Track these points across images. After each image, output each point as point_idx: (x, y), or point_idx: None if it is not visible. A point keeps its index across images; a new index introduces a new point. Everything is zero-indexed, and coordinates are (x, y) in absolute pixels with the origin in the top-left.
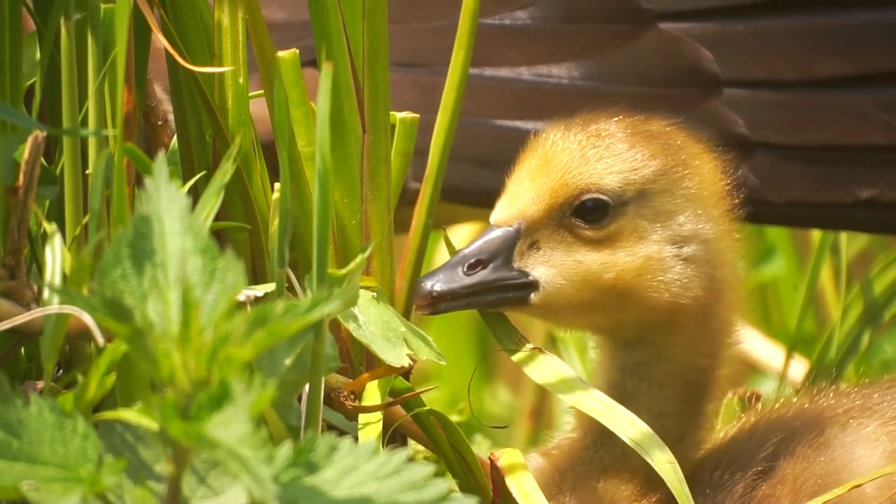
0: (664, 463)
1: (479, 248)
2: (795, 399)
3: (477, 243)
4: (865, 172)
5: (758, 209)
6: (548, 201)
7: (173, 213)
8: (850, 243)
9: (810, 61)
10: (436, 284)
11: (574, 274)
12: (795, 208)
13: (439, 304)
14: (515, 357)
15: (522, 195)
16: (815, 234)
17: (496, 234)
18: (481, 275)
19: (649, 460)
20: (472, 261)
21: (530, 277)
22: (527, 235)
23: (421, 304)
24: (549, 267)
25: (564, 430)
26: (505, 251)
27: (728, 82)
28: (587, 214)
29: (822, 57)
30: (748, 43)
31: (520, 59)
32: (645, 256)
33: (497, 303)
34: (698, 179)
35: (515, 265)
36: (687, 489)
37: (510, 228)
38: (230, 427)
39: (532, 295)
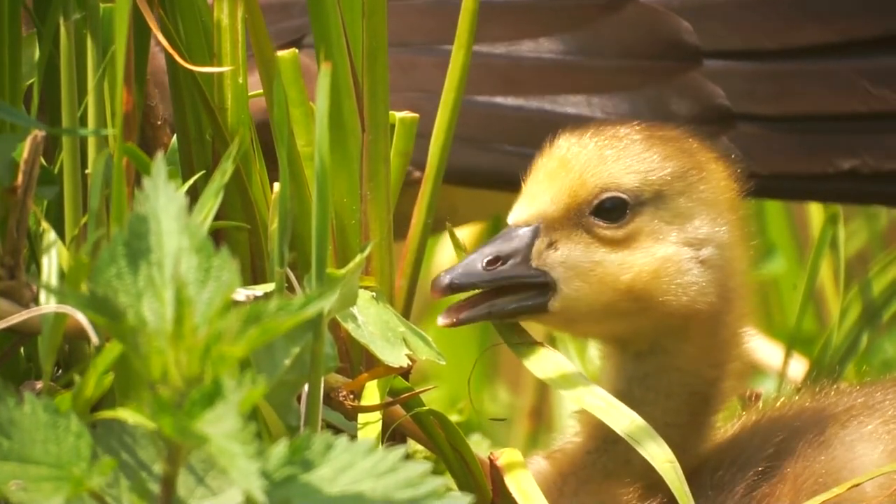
0: (664, 461)
1: (498, 245)
2: (797, 398)
3: (495, 241)
4: (847, 142)
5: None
6: (566, 201)
7: (170, 212)
8: (849, 242)
9: (790, 30)
10: (454, 277)
11: (592, 275)
12: (778, 180)
13: (461, 312)
14: (517, 351)
15: (541, 196)
16: (815, 232)
17: (515, 232)
18: (500, 270)
19: (648, 457)
20: (490, 257)
21: (548, 277)
22: (545, 235)
23: (444, 312)
24: (567, 267)
25: (568, 434)
26: (523, 250)
27: (708, 53)
28: (606, 214)
29: (802, 25)
30: (728, 13)
31: (499, 34)
32: (662, 258)
33: (516, 312)
34: (713, 184)
35: (534, 264)
36: (687, 488)
37: (528, 228)
38: (221, 423)
39: (550, 301)
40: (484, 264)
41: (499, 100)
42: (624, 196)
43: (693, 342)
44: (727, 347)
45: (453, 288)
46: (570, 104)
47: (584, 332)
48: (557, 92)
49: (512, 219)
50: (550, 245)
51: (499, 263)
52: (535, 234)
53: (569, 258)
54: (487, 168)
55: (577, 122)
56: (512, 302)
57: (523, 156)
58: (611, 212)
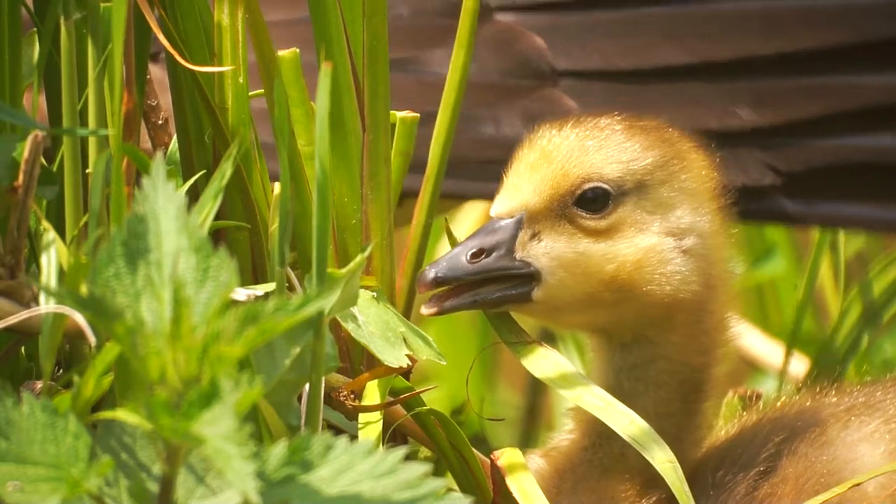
0: (664, 462)
1: (482, 238)
2: (797, 397)
3: (478, 234)
4: None
5: None
6: (549, 192)
7: (170, 212)
8: (849, 243)
9: (645, 51)
10: (439, 271)
11: (576, 265)
12: None
13: (446, 301)
14: (514, 350)
15: (523, 187)
16: (815, 233)
17: (498, 225)
18: (485, 262)
19: (649, 458)
20: (474, 250)
21: (532, 268)
22: (528, 226)
23: (428, 300)
24: (551, 258)
25: (563, 431)
26: (507, 242)
27: (564, 72)
28: (589, 204)
29: (657, 47)
30: (584, 34)
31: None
32: (646, 248)
33: (501, 301)
34: (694, 173)
35: (518, 256)
36: (687, 488)
37: (511, 220)
38: (218, 424)
39: (534, 291)
40: (468, 257)
41: None
42: (606, 186)
43: (678, 331)
44: (714, 334)
45: (438, 282)
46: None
47: (568, 322)
48: (410, 108)
49: (495, 211)
50: (534, 236)
51: (483, 256)
52: (519, 226)
53: (552, 249)
54: None
55: (426, 136)
56: (496, 291)
57: None
58: (593, 202)
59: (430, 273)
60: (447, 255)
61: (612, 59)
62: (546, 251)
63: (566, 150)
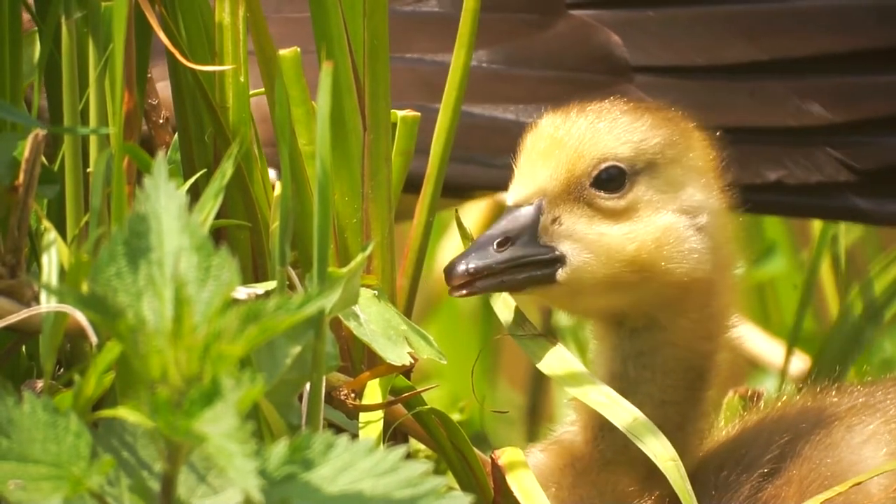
0: (667, 460)
1: (504, 227)
2: (798, 398)
3: (500, 223)
4: (774, 154)
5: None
6: (565, 175)
7: (171, 211)
8: (849, 242)
9: (720, 47)
10: (470, 263)
11: (598, 247)
12: None
13: (476, 282)
14: (521, 343)
15: (538, 174)
16: (815, 232)
17: (518, 212)
18: (512, 250)
19: (652, 457)
20: (499, 239)
21: (557, 252)
22: (548, 211)
23: (457, 285)
24: (573, 241)
25: (565, 423)
26: (530, 228)
27: (638, 68)
28: (606, 184)
29: (732, 43)
30: (658, 29)
31: (430, 45)
32: (663, 227)
33: (526, 282)
34: (699, 152)
35: (542, 241)
36: (689, 486)
37: (531, 206)
38: (220, 423)
39: (559, 271)
40: (495, 247)
41: (424, 104)
42: (622, 165)
43: (688, 315)
44: (719, 318)
45: (471, 273)
46: (499, 112)
47: (587, 305)
48: (486, 100)
49: (512, 199)
50: (555, 221)
51: (508, 244)
52: (539, 211)
53: (574, 232)
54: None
55: (502, 128)
56: (522, 272)
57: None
58: (609, 182)
59: (461, 266)
60: (474, 248)
61: (687, 55)
62: (568, 234)
63: (578, 134)
